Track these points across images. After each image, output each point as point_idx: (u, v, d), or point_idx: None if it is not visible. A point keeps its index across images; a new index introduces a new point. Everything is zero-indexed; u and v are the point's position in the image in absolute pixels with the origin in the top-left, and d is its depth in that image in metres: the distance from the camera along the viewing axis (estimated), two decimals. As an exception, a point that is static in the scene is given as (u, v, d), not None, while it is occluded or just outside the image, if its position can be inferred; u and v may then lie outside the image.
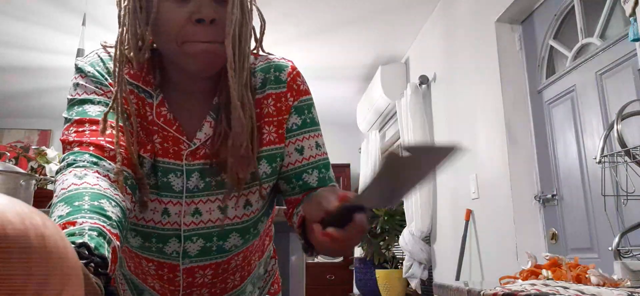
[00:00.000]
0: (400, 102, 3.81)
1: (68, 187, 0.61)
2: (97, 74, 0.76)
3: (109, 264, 0.50)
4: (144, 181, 0.75)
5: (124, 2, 0.74)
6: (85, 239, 0.50)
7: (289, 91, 0.83)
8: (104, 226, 0.54)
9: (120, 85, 0.73)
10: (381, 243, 3.82)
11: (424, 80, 3.59)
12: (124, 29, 0.74)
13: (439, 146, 0.54)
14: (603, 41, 1.95)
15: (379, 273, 3.78)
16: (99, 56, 0.79)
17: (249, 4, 0.77)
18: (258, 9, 0.80)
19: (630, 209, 1.50)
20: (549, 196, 2.27)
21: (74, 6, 3.41)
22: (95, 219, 0.55)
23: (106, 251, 0.51)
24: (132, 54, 0.74)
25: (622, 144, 1.33)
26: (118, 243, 0.56)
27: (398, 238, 3.66)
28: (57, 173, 0.67)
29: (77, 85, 0.77)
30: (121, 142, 0.71)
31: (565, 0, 2.21)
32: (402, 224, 3.70)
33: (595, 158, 1.40)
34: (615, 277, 1.06)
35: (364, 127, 5.01)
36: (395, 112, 4.01)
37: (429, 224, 3.38)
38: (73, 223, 0.52)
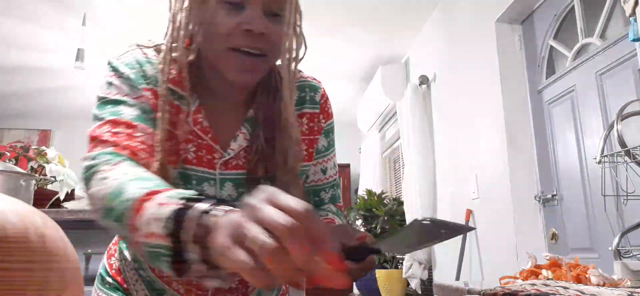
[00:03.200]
0: (400, 103, 3.81)
1: (128, 171, 0.61)
2: (131, 76, 0.75)
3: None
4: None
5: (181, 2, 0.74)
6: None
7: (321, 113, 0.88)
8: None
9: (165, 90, 0.73)
10: (381, 243, 3.82)
11: (424, 80, 3.58)
12: (177, 26, 0.74)
13: (459, 225, 0.62)
14: (603, 41, 1.95)
15: (379, 273, 3.78)
16: (135, 58, 0.78)
17: (299, 25, 0.78)
18: (301, 31, 0.80)
19: (630, 209, 1.50)
20: (549, 196, 2.27)
21: (74, 6, 3.41)
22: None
23: (192, 193, 0.52)
24: (176, 54, 0.74)
25: (622, 144, 1.33)
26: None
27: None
28: (90, 168, 0.64)
29: (110, 84, 0.75)
30: (152, 153, 0.70)
31: (565, 0, 2.21)
32: (402, 224, 3.70)
33: (595, 158, 1.40)
34: (615, 277, 1.06)
35: (364, 127, 5.01)
36: (395, 112, 4.01)
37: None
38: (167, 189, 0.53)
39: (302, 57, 0.81)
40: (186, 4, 0.74)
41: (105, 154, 0.65)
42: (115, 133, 0.69)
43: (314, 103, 0.87)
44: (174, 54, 0.74)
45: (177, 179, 0.76)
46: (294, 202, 0.41)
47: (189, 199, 0.49)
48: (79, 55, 3.16)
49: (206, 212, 0.47)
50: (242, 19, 0.70)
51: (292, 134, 0.77)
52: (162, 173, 0.69)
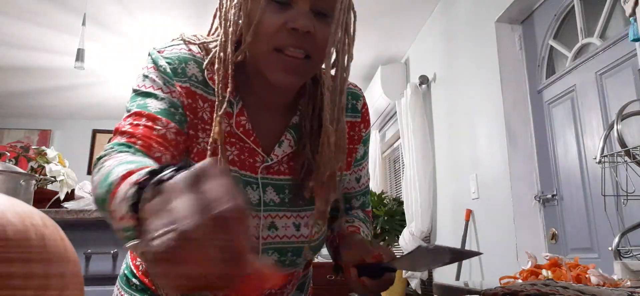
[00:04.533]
0: (400, 102, 3.80)
1: (124, 159, 0.58)
2: (169, 70, 0.73)
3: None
4: None
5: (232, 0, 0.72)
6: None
7: (362, 122, 0.87)
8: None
9: (223, 90, 0.71)
10: (381, 243, 3.82)
11: (424, 80, 3.58)
12: (229, 24, 0.72)
13: (465, 251, 0.67)
14: (603, 41, 1.95)
15: (379, 273, 3.77)
16: (178, 54, 0.75)
17: (352, 25, 0.75)
18: (355, 35, 0.77)
19: (630, 209, 1.50)
20: (549, 196, 2.26)
21: (74, 6, 3.41)
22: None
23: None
24: (224, 54, 0.72)
25: (622, 144, 1.33)
26: None
27: (398, 238, 3.66)
28: (98, 159, 0.63)
29: (146, 76, 0.74)
30: (169, 146, 0.68)
31: (565, 0, 2.21)
32: (402, 224, 3.70)
33: (595, 158, 1.40)
34: (615, 277, 1.06)
35: (364, 127, 5.01)
36: (396, 112, 4.01)
37: (429, 224, 3.38)
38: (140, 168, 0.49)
39: (351, 62, 0.77)
40: (236, 1, 0.71)
41: (116, 145, 0.65)
42: (136, 125, 0.68)
43: (355, 111, 0.85)
44: (228, 54, 0.72)
45: None
46: (225, 196, 0.33)
47: (153, 173, 0.42)
48: (79, 55, 3.16)
49: (160, 181, 0.39)
50: (288, 17, 0.69)
51: (331, 143, 0.74)
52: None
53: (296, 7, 0.69)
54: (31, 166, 2.13)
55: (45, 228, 0.37)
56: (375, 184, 4.64)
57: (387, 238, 3.78)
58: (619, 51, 1.83)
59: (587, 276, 1.04)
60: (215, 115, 0.71)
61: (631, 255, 1.28)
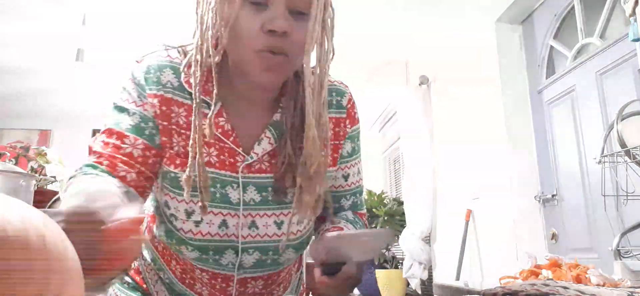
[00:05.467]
0: (400, 103, 3.80)
1: (83, 181, 0.66)
2: (142, 82, 0.76)
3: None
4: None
5: (209, 2, 0.72)
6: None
7: (348, 118, 0.86)
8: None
9: (198, 93, 0.73)
10: (381, 243, 3.82)
11: (424, 80, 3.58)
12: (205, 27, 0.72)
13: (376, 232, 0.64)
14: (603, 41, 1.95)
15: (379, 273, 3.78)
16: (156, 62, 0.77)
17: (330, 21, 0.75)
18: (333, 31, 0.77)
19: (630, 209, 1.50)
20: (549, 196, 2.26)
21: (74, 6, 3.41)
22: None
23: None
24: (204, 56, 0.72)
25: (622, 144, 1.33)
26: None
27: (398, 238, 3.66)
28: (70, 178, 0.69)
29: (124, 89, 0.77)
30: (134, 164, 0.73)
31: (565, 0, 2.21)
32: (402, 224, 3.70)
33: (595, 158, 1.40)
34: (615, 277, 1.06)
35: (364, 127, 5.01)
36: (396, 112, 4.01)
37: (429, 224, 3.38)
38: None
39: (332, 58, 0.77)
40: (213, 4, 0.72)
41: (85, 167, 0.71)
42: (106, 143, 0.73)
43: (340, 108, 0.85)
44: (204, 57, 0.73)
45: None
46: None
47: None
48: (79, 55, 3.16)
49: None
50: (265, 19, 0.69)
51: (314, 137, 0.74)
52: (139, 182, 0.73)
53: (272, 8, 0.69)
54: (31, 166, 2.13)
55: (45, 228, 0.37)
56: (375, 184, 4.64)
57: (387, 238, 3.78)
58: (619, 50, 1.83)
59: (587, 276, 1.04)
60: (193, 118, 0.72)
61: (631, 255, 1.28)
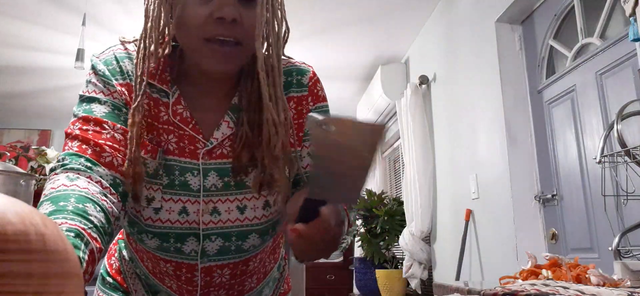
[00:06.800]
0: (400, 102, 3.80)
1: (57, 187, 0.63)
2: (107, 73, 0.77)
3: (85, 265, 0.51)
4: (137, 182, 0.74)
5: None
6: None
7: (310, 95, 0.85)
8: (83, 229, 0.55)
9: (140, 83, 0.73)
10: (381, 243, 3.82)
11: (424, 80, 3.58)
12: (150, 21, 0.74)
13: (365, 122, 0.51)
14: (603, 41, 1.95)
15: (379, 273, 3.77)
16: (114, 54, 0.79)
17: (278, 5, 0.76)
18: (283, 14, 0.79)
19: (630, 209, 1.50)
20: (549, 196, 2.27)
21: (74, 6, 3.41)
22: (76, 222, 0.56)
23: (82, 253, 0.52)
24: (151, 48, 0.74)
25: (622, 144, 1.33)
26: (97, 245, 0.57)
27: (398, 238, 3.66)
28: (50, 171, 0.69)
29: (88, 82, 0.78)
30: (120, 147, 0.72)
31: (565, 0, 2.21)
32: (402, 224, 3.70)
33: (595, 158, 1.40)
34: (615, 277, 1.06)
35: (364, 127, 5.00)
36: (395, 112, 4.01)
37: (429, 224, 3.38)
38: None
39: (286, 39, 0.79)
40: None
41: (68, 156, 0.69)
42: (85, 130, 0.72)
43: (301, 86, 0.85)
44: (149, 48, 0.74)
45: (161, 170, 0.76)
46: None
47: None
48: (79, 55, 3.16)
49: None
50: (213, 8, 0.70)
51: (272, 117, 0.75)
52: (131, 168, 0.72)
53: None
54: (31, 166, 2.14)
55: (45, 228, 0.37)
56: (375, 184, 4.63)
57: (387, 238, 3.79)
58: (619, 50, 1.83)
59: (587, 276, 1.04)
60: (132, 106, 0.73)
61: (631, 255, 1.28)
